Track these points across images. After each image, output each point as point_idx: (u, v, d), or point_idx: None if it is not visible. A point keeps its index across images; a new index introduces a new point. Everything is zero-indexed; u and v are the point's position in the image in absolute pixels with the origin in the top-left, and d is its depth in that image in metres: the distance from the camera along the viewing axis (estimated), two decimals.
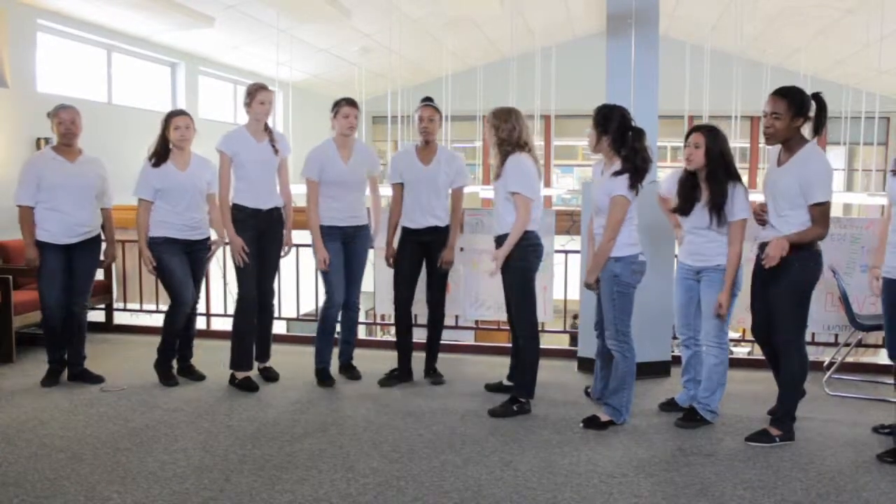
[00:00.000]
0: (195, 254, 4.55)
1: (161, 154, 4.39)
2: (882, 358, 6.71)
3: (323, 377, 4.56)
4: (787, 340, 3.52)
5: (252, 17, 8.97)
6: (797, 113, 3.38)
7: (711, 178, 3.68)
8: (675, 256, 4.15)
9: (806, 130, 3.48)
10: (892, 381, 4.61)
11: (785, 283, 3.47)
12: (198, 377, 4.62)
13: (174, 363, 4.63)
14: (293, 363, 4.85)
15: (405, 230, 4.50)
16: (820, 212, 3.38)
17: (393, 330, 4.70)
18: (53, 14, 7.48)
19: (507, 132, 3.92)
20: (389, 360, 4.78)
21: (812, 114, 3.42)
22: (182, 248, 4.46)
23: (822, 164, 3.41)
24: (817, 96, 3.42)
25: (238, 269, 4.45)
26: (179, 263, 4.44)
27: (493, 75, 12.25)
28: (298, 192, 4.70)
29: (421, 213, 4.43)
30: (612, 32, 4.77)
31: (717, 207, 3.66)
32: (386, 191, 4.90)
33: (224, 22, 8.83)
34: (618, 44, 4.75)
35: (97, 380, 4.55)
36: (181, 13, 8.07)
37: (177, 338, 4.58)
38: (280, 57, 9.05)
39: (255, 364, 4.64)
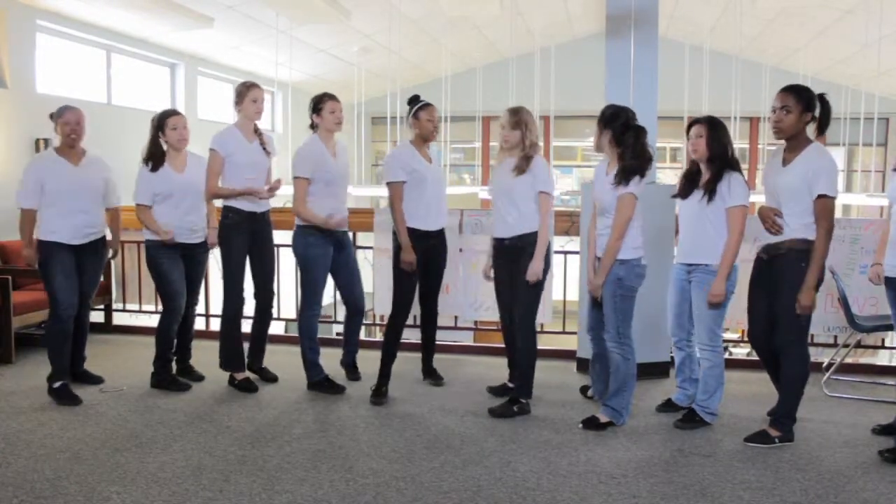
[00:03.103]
0: (194, 257, 4.52)
1: (157, 157, 4.32)
2: (881, 359, 6.71)
3: (330, 386, 4.41)
4: (791, 342, 3.52)
5: (251, 18, 8.96)
6: (806, 108, 3.42)
7: (710, 161, 3.74)
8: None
9: (809, 132, 3.50)
10: (891, 381, 4.61)
11: (791, 285, 3.46)
12: (197, 378, 4.62)
13: (174, 365, 4.60)
14: (292, 363, 4.84)
15: (414, 233, 4.25)
16: (824, 206, 3.39)
17: None
18: (53, 14, 7.48)
19: (535, 132, 3.96)
20: None
21: (817, 114, 3.45)
22: (180, 252, 4.41)
23: (829, 161, 3.43)
24: (822, 97, 3.45)
25: (234, 271, 4.38)
26: (178, 270, 4.40)
27: (493, 76, 12.25)
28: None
29: (437, 213, 4.32)
30: (612, 33, 4.78)
31: (711, 184, 3.71)
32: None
33: (223, 22, 8.83)
34: (617, 44, 4.75)
35: (97, 380, 4.54)
36: (180, 14, 8.06)
37: (172, 347, 4.51)
38: (279, 57, 9.05)
39: (258, 365, 4.65)
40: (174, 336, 4.49)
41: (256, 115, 4.35)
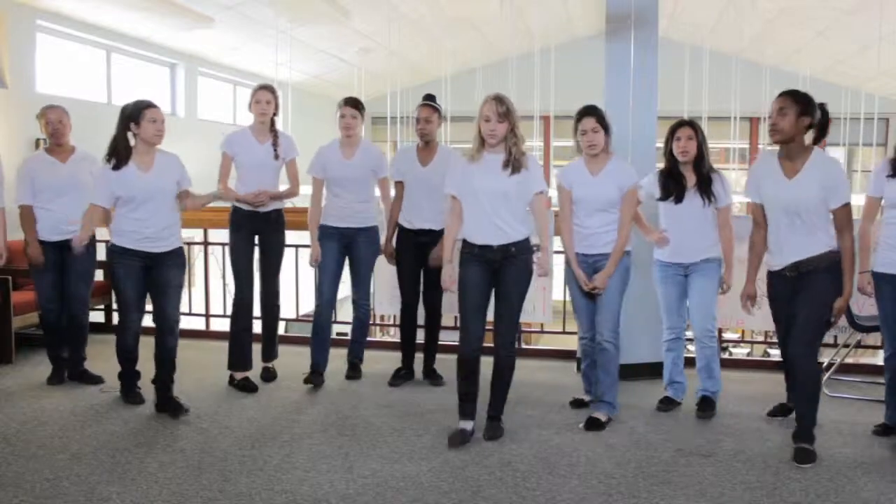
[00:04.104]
0: (160, 269, 3.94)
1: (123, 155, 3.86)
2: (881, 359, 6.70)
3: (311, 376, 4.44)
4: (808, 353, 3.41)
5: (251, 18, 8.98)
6: (803, 112, 3.34)
7: (699, 164, 3.89)
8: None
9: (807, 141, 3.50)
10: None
11: (823, 298, 3.39)
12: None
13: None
14: (292, 363, 4.85)
15: (402, 229, 4.50)
16: (847, 213, 3.39)
17: (392, 330, 4.70)
18: (53, 14, 7.49)
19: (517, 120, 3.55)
20: (388, 359, 4.79)
21: (816, 120, 3.40)
22: (140, 261, 3.91)
23: (838, 166, 3.53)
24: (822, 106, 3.41)
25: (234, 270, 4.47)
26: (133, 282, 3.93)
27: (493, 76, 12.23)
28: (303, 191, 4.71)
29: (416, 214, 4.42)
30: (612, 33, 4.77)
31: (707, 187, 3.88)
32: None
33: (223, 22, 8.84)
34: (617, 45, 4.74)
35: (97, 380, 4.54)
36: (180, 14, 8.08)
37: (131, 363, 4.14)
38: (279, 57, 9.07)
39: (262, 363, 4.66)
40: (131, 350, 4.09)
41: (260, 117, 4.39)
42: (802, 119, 3.35)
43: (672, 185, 3.92)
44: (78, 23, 7.92)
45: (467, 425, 3.59)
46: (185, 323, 4.72)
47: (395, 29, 9.82)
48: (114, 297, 6.06)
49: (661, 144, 4.37)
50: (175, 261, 4.02)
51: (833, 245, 3.40)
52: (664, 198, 3.95)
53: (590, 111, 3.79)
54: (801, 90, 3.44)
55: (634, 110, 4.60)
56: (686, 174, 3.91)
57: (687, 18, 11.49)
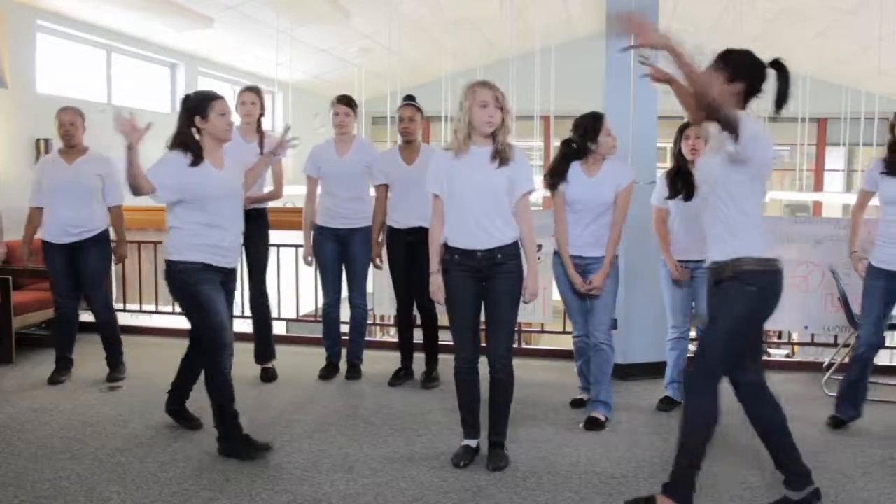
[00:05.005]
0: (229, 285, 3.52)
1: (196, 150, 3.31)
2: (881, 359, 6.70)
3: (323, 369, 4.67)
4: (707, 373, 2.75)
5: (251, 18, 8.98)
6: (732, 77, 2.66)
7: None
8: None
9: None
10: (892, 381, 4.62)
11: (730, 313, 2.72)
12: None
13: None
14: (293, 363, 4.85)
15: (391, 230, 4.48)
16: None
17: (392, 330, 4.70)
18: (53, 14, 7.48)
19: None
20: (388, 359, 4.79)
21: (764, 85, 2.71)
22: (220, 277, 3.42)
23: (754, 125, 2.59)
24: (776, 62, 2.68)
25: None
26: (223, 299, 3.41)
27: (493, 76, 12.14)
28: (299, 192, 4.74)
29: (405, 213, 4.38)
30: (612, 33, 4.77)
31: None
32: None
33: (223, 23, 8.85)
34: (617, 44, 4.73)
35: (119, 377, 4.61)
36: (181, 14, 8.09)
37: (233, 397, 3.43)
38: (279, 58, 9.07)
39: (261, 365, 4.68)
40: (231, 383, 3.43)
41: (246, 118, 4.47)
42: (732, 85, 2.67)
43: (681, 184, 3.94)
44: (78, 23, 7.92)
45: (472, 443, 3.38)
46: (180, 322, 4.71)
47: (395, 29, 9.83)
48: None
49: (662, 144, 4.37)
50: (235, 276, 3.63)
51: (756, 252, 2.72)
52: (672, 196, 3.97)
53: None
54: (737, 49, 2.74)
55: (635, 110, 4.60)
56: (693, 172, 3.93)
57: (687, 18, 11.49)
